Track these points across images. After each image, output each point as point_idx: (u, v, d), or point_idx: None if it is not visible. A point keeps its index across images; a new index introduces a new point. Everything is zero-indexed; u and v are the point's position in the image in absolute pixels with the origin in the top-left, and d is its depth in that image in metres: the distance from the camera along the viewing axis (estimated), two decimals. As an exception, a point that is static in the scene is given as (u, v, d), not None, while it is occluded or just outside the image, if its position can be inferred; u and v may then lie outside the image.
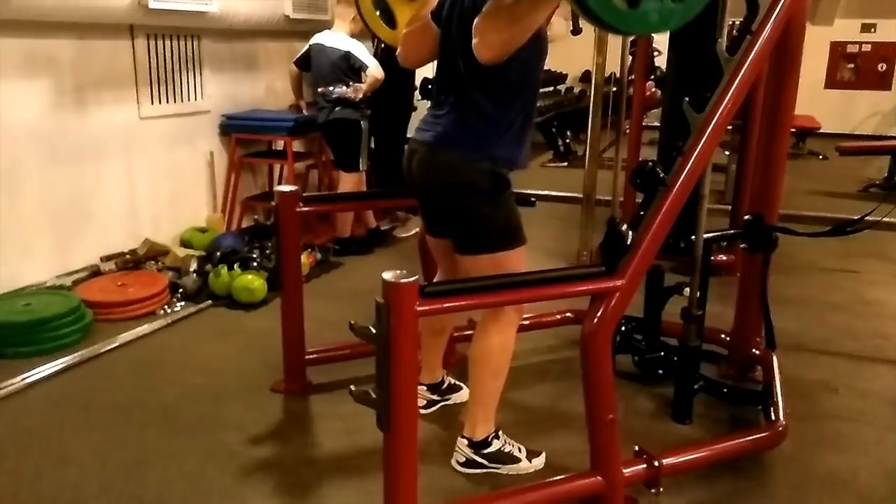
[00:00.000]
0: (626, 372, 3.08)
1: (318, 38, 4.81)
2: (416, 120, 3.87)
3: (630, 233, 2.04)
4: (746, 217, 2.86)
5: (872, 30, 10.58)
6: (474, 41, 2.00)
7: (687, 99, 2.18)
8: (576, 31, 3.41)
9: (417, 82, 4.99)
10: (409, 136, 3.51)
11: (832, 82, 10.91)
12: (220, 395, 2.92)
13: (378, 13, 2.68)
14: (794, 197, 6.48)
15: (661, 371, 3.01)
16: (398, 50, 2.50)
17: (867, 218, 3.04)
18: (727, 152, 6.37)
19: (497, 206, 2.26)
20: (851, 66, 10.81)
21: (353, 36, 4.76)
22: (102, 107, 4.13)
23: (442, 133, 2.27)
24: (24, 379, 2.98)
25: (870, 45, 10.66)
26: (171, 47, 4.55)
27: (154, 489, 2.30)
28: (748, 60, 2.14)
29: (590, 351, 2.01)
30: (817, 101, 10.54)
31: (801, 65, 2.69)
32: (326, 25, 5.01)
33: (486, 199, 2.24)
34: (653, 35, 8.06)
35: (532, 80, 2.28)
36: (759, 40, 2.16)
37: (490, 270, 2.21)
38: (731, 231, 3.00)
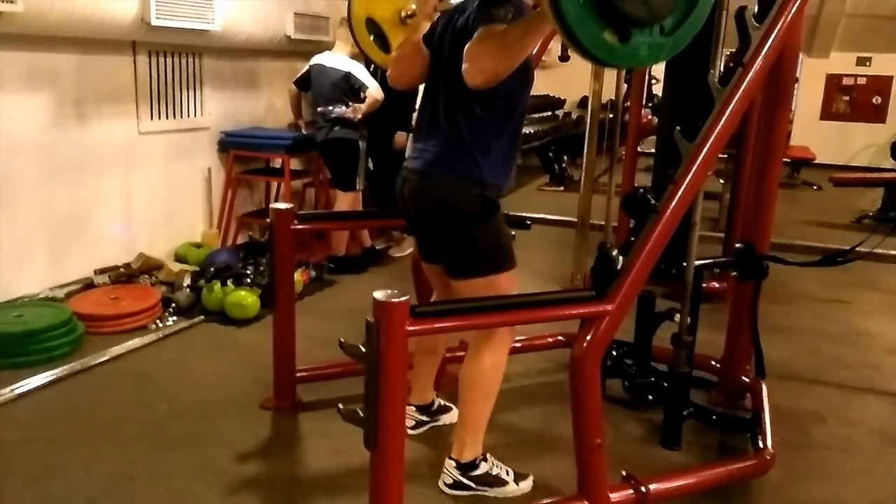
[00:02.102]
0: (617, 397, 3.09)
1: (318, 59, 4.86)
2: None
3: (620, 258, 2.06)
4: (738, 245, 2.88)
5: (868, 63, 10.72)
6: (465, 66, 2.03)
7: (678, 128, 2.21)
8: (563, 57, 3.46)
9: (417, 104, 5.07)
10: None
11: (828, 114, 11.02)
12: (210, 411, 2.91)
13: (372, 38, 2.72)
14: (787, 226, 6.53)
15: (650, 396, 3.01)
16: (388, 71, 2.54)
17: (858, 249, 3.06)
18: (721, 180, 6.41)
19: (487, 230, 2.28)
20: (847, 98, 10.93)
21: (353, 57, 4.81)
22: (102, 121, 4.16)
23: (431, 160, 2.30)
24: (13, 390, 2.97)
25: (865, 79, 10.79)
26: (173, 64, 4.59)
27: (140, 504, 2.29)
28: (739, 92, 2.18)
29: (578, 374, 2.02)
30: (813, 133, 10.67)
31: (798, 96, 2.73)
32: (327, 46, 5.07)
33: (476, 223, 2.26)
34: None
35: (518, 106, 2.31)
36: (750, 72, 2.20)
37: (483, 293, 2.23)
38: (723, 259, 3.02)
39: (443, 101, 2.30)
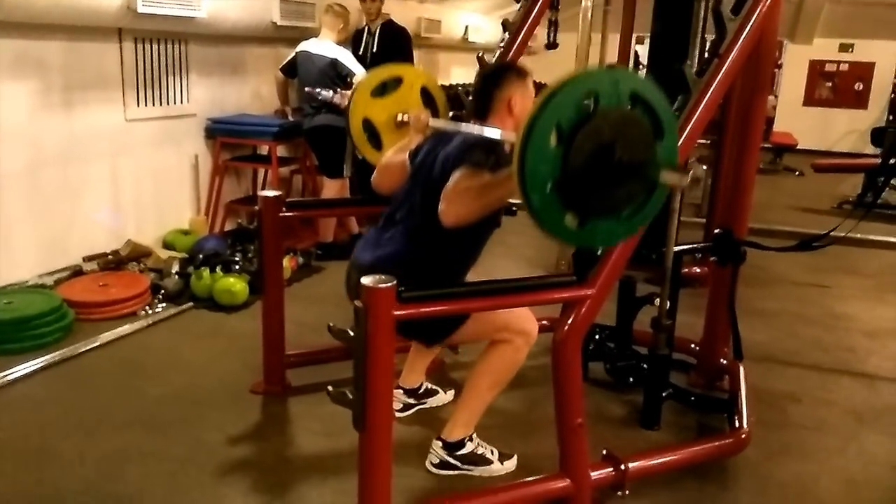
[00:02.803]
0: (599, 379, 3.16)
1: (304, 46, 4.87)
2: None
3: (601, 244, 2.12)
4: (716, 231, 2.96)
5: (850, 49, 10.82)
6: (441, 206, 2.11)
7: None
8: (550, 45, 3.56)
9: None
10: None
11: (810, 100, 11.14)
12: (201, 396, 2.96)
13: (367, 136, 2.91)
14: (769, 211, 6.63)
15: (631, 379, 3.09)
16: (373, 176, 2.68)
17: (833, 234, 3.14)
18: (704, 167, 6.49)
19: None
20: (829, 84, 11.04)
21: (339, 44, 4.84)
22: (89, 108, 4.17)
23: (382, 256, 2.35)
24: (4, 377, 3.00)
25: (847, 65, 10.90)
26: (159, 51, 4.59)
27: (134, 487, 2.34)
28: (714, 83, 2.24)
29: (560, 357, 2.08)
30: (796, 118, 10.78)
31: (781, 82, 2.80)
32: (313, 33, 5.08)
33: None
34: (637, 52, 8.23)
35: (482, 233, 2.39)
36: (726, 63, 2.26)
37: (467, 334, 2.36)
38: (701, 244, 3.09)
39: (412, 210, 2.38)
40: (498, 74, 2.46)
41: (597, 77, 1.82)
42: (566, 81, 1.71)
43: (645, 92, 1.82)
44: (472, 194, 2.08)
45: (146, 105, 4.55)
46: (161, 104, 4.67)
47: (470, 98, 2.58)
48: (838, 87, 10.98)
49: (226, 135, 5.07)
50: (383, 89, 2.92)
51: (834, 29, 10.34)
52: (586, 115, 1.72)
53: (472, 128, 2.37)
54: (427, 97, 2.95)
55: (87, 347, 3.33)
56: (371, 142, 2.92)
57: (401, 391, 2.87)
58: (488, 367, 2.43)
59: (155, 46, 4.55)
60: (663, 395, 2.86)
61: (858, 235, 5.40)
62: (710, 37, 2.52)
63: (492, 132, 2.28)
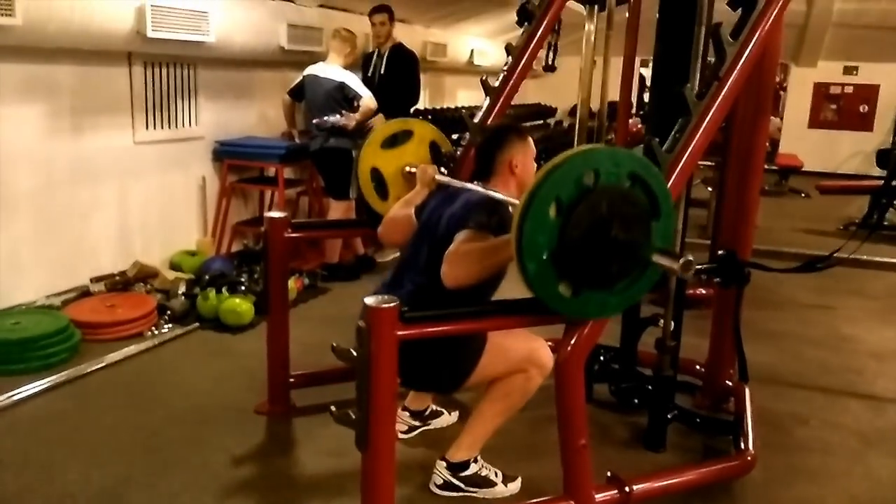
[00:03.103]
0: (603, 400, 3.16)
1: (311, 70, 4.93)
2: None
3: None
4: (720, 252, 2.96)
5: (854, 72, 10.86)
6: (444, 269, 2.15)
7: (657, 139, 2.29)
8: (548, 68, 3.61)
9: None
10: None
11: (816, 122, 11.15)
12: (205, 417, 2.97)
13: (374, 185, 2.97)
14: (774, 233, 6.63)
15: (636, 400, 3.08)
16: (379, 228, 2.73)
17: (837, 255, 3.14)
18: (710, 188, 6.51)
19: (447, 357, 2.35)
20: (834, 106, 11.06)
21: (346, 68, 4.90)
22: (98, 131, 4.22)
23: None
24: (10, 397, 3.02)
25: (852, 87, 10.93)
26: (168, 75, 4.66)
27: (137, 507, 2.35)
28: (714, 105, 2.26)
29: (563, 378, 2.08)
30: (801, 141, 10.79)
31: (786, 105, 2.82)
32: (320, 57, 5.14)
33: (435, 359, 2.33)
34: (643, 75, 8.29)
35: (489, 287, 2.39)
36: (725, 86, 2.28)
37: (496, 364, 2.37)
38: (705, 265, 3.09)
39: (418, 268, 2.42)
40: (499, 136, 2.51)
41: (598, 154, 1.88)
42: (568, 156, 1.80)
43: (644, 172, 1.89)
44: (474, 258, 2.13)
45: (155, 128, 4.61)
46: (169, 127, 4.72)
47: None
48: (843, 109, 11.00)
49: (233, 157, 5.11)
50: (393, 141, 2.99)
51: (838, 52, 10.38)
52: (586, 191, 1.80)
53: (477, 187, 2.42)
54: (435, 152, 3.01)
55: (93, 368, 3.35)
56: (378, 191, 2.98)
57: (407, 413, 2.87)
58: (499, 393, 2.43)
59: (164, 70, 4.62)
60: (668, 416, 2.85)
61: (864, 257, 5.40)
62: (713, 59, 2.55)
63: (495, 193, 2.34)
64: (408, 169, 2.91)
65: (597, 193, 1.81)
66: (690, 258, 1.83)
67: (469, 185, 2.47)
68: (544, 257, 1.79)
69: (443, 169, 2.83)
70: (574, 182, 1.79)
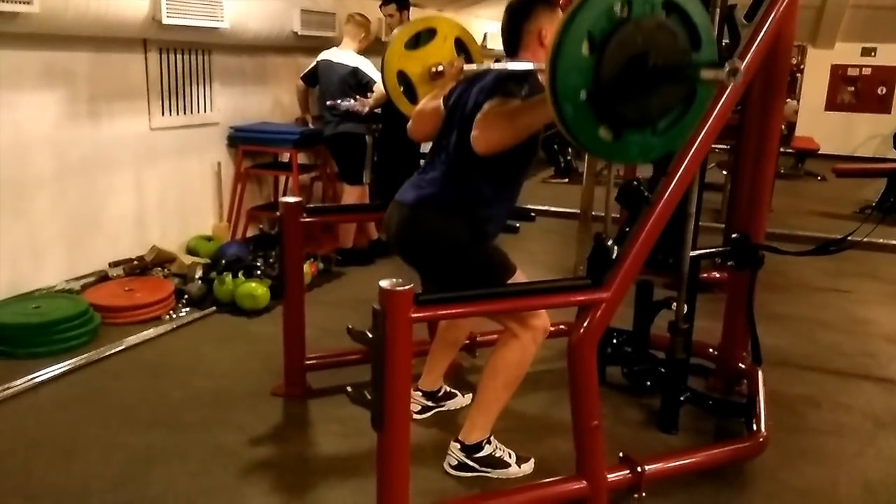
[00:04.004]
0: (616, 383, 3.18)
1: (325, 55, 4.95)
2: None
3: (616, 248, 2.14)
4: (734, 235, 2.96)
5: (873, 53, 10.72)
6: (474, 133, 2.14)
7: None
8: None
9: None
10: (421, 153, 3.68)
11: (832, 105, 11.04)
12: (223, 398, 3.02)
13: (402, 89, 2.90)
14: (790, 216, 6.61)
15: (649, 383, 3.10)
16: (409, 124, 2.68)
17: (851, 238, 3.14)
18: (724, 172, 6.48)
19: (472, 258, 2.37)
20: (851, 89, 10.94)
21: (360, 53, 4.90)
22: (115, 118, 4.26)
23: (424, 195, 2.39)
24: (33, 379, 3.08)
25: (870, 69, 10.80)
26: (183, 61, 4.69)
27: (158, 485, 2.40)
28: (728, 88, 2.25)
29: (576, 359, 2.11)
30: (818, 123, 10.70)
31: (802, 87, 2.80)
32: (334, 42, 5.15)
33: (461, 253, 2.36)
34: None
35: (520, 168, 2.41)
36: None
37: None
38: (718, 248, 3.09)
39: (447, 152, 2.41)
40: (526, 6, 2.38)
41: None
42: None
43: (680, 0, 1.75)
44: (504, 119, 2.09)
45: (170, 114, 4.64)
46: (185, 113, 4.76)
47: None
48: (861, 91, 10.88)
49: (248, 142, 5.15)
50: (417, 41, 2.88)
51: (856, 33, 10.25)
52: (619, 23, 1.68)
53: (505, 65, 2.34)
54: (461, 48, 2.91)
55: (113, 351, 3.41)
56: (407, 95, 2.90)
57: (419, 394, 2.91)
58: (498, 366, 2.45)
59: (179, 56, 4.65)
60: (681, 398, 2.87)
61: (880, 240, 5.38)
62: (727, 41, 2.54)
63: (524, 65, 2.26)
64: (434, 69, 2.83)
65: (631, 24, 1.68)
66: (737, 63, 1.65)
67: (497, 66, 2.39)
68: (581, 98, 1.69)
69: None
70: (605, 15, 1.66)
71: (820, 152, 9.60)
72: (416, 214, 2.40)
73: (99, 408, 2.91)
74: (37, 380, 3.09)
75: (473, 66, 2.61)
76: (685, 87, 1.79)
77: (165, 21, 3.97)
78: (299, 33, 5.17)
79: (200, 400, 3.00)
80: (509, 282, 2.38)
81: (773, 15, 2.31)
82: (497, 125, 2.10)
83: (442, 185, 2.37)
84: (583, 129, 1.73)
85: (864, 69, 10.85)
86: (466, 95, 2.41)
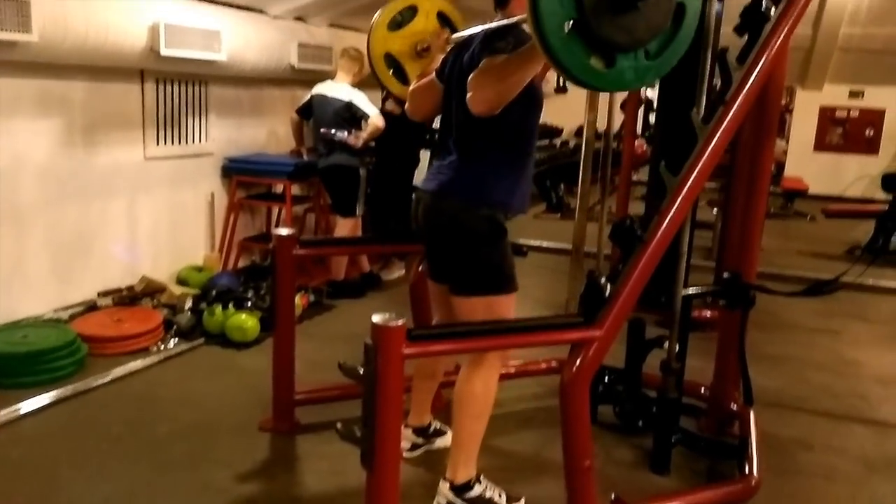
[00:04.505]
0: (608, 422, 3.15)
1: (319, 89, 4.98)
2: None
3: (608, 286, 2.14)
4: (725, 275, 2.97)
5: (860, 96, 10.89)
6: (468, 95, 2.16)
7: (664, 162, 2.31)
8: (560, 89, 3.61)
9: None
10: (415, 185, 3.68)
11: (821, 145, 11.17)
12: (210, 432, 2.98)
13: (391, 71, 2.88)
14: (780, 256, 6.63)
15: (641, 422, 3.08)
16: (407, 105, 2.69)
17: (842, 279, 3.15)
18: (715, 210, 6.52)
19: (493, 252, 2.40)
20: (840, 130, 11.09)
21: (354, 87, 4.95)
22: (110, 146, 4.27)
23: (445, 181, 2.43)
24: (17, 410, 3.03)
25: (857, 111, 10.96)
26: (179, 91, 4.71)
27: (141, 521, 2.36)
28: (720, 129, 2.28)
29: (568, 397, 2.09)
30: (806, 164, 10.80)
31: (792, 128, 2.83)
32: (329, 75, 5.19)
33: (483, 244, 2.38)
34: (649, 97, 8.34)
35: (526, 130, 2.43)
36: (731, 110, 2.31)
37: (482, 312, 2.34)
38: (710, 288, 3.10)
39: (455, 128, 2.43)
40: None
41: None
42: None
43: None
44: (493, 75, 2.10)
45: (165, 144, 4.65)
46: (180, 143, 4.77)
47: None
48: (849, 132, 11.02)
49: (242, 173, 5.16)
50: (399, 22, 2.85)
51: (844, 76, 10.42)
52: None
53: (491, 24, 2.34)
54: (445, 21, 2.87)
55: (99, 382, 3.36)
56: (397, 77, 2.88)
57: (409, 430, 2.87)
58: (464, 399, 2.42)
59: (175, 87, 4.67)
60: (673, 439, 2.85)
61: (869, 281, 5.41)
62: (718, 83, 2.58)
63: (509, 21, 2.25)
64: (419, 46, 2.80)
65: None
66: None
67: (483, 27, 2.39)
68: (566, 29, 1.67)
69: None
70: None
71: (809, 192, 9.68)
72: (439, 203, 2.44)
73: (84, 440, 2.86)
74: (21, 411, 3.04)
75: (460, 34, 2.60)
76: (670, 1, 1.77)
77: (164, 52, 4.00)
78: (296, 66, 5.22)
79: (187, 433, 2.95)
80: (503, 308, 2.39)
81: (764, 58, 2.34)
82: (488, 82, 2.12)
83: (458, 166, 2.40)
84: (574, 62, 1.72)
85: (851, 111, 11.00)
86: (459, 63, 2.43)
